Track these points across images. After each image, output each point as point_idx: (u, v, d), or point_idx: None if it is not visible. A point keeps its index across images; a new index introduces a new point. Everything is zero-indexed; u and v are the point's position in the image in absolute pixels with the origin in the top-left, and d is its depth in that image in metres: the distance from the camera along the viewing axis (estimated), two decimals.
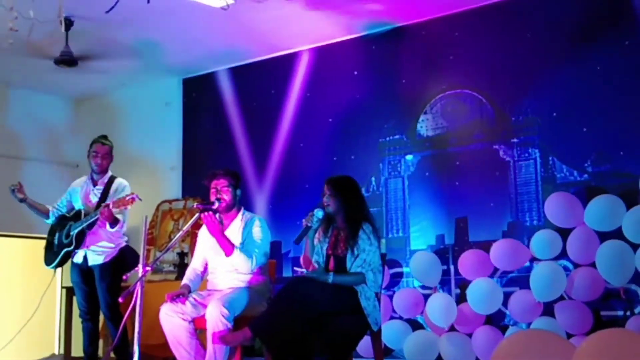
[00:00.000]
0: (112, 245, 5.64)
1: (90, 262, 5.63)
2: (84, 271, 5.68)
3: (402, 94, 6.63)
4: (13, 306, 8.19)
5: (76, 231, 5.53)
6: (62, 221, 5.71)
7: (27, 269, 8.08)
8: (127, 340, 5.48)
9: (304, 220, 4.72)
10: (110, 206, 5.24)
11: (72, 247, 5.57)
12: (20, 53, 7.01)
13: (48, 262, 5.76)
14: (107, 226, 5.43)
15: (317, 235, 4.78)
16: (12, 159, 8.20)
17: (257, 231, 4.93)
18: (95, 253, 5.62)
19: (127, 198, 5.17)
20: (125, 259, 5.68)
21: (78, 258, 5.66)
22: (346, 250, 4.62)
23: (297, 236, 4.68)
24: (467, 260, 5.86)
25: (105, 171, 5.75)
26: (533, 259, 5.66)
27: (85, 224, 5.50)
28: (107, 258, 5.63)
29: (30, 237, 7.90)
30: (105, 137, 5.80)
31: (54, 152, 8.49)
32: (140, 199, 5.15)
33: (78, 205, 5.71)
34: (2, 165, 8.10)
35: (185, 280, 5.03)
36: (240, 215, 5.02)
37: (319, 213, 4.69)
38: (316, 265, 4.71)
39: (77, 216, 5.62)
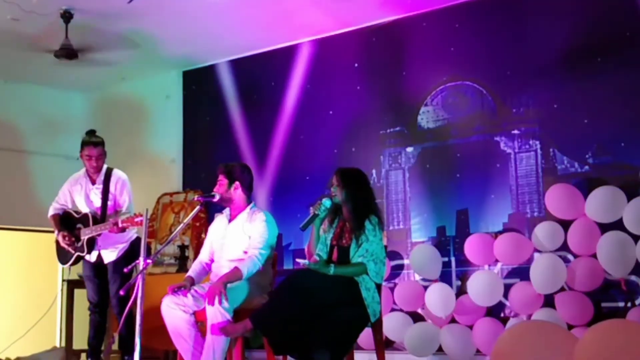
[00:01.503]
0: (123, 241, 5.69)
1: (106, 260, 5.69)
2: (96, 266, 5.72)
3: (403, 86, 6.61)
4: (16, 299, 8.20)
5: (86, 238, 5.56)
6: (70, 220, 5.72)
7: (30, 263, 8.10)
8: (133, 333, 5.50)
9: (311, 207, 4.74)
10: (120, 225, 5.27)
11: (84, 253, 5.61)
12: (20, 46, 7.00)
13: (63, 261, 5.81)
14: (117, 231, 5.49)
15: (322, 225, 4.80)
16: (12, 152, 8.20)
17: (261, 226, 4.93)
18: (109, 251, 5.68)
19: (136, 220, 5.21)
20: (136, 250, 5.69)
21: (92, 257, 5.70)
22: (350, 241, 4.64)
23: (304, 223, 4.70)
24: (472, 246, 5.86)
25: (101, 168, 5.74)
26: (535, 251, 5.67)
27: (94, 233, 5.53)
28: (120, 253, 5.68)
29: (33, 230, 7.91)
30: (93, 133, 5.73)
31: (54, 145, 8.48)
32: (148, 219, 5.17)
33: (82, 206, 5.71)
34: (3, 158, 8.10)
35: (190, 272, 5.04)
36: (247, 210, 5.04)
37: (327, 202, 4.72)
38: (317, 258, 4.72)
39: (84, 218, 5.63)
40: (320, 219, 4.76)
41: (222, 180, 5.00)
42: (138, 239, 5.78)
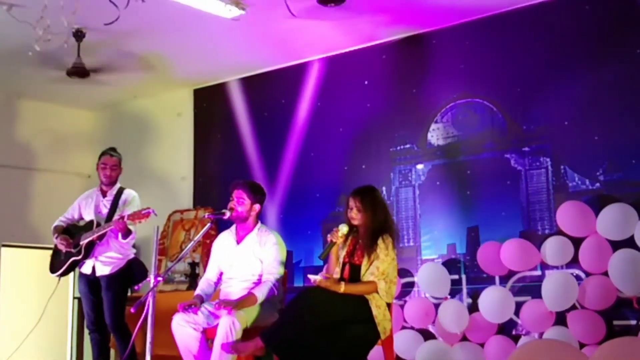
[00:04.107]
0: (120, 256, 5.67)
1: (98, 273, 5.65)
2: (91, 281, 5.70)
3: (413, 103, 6.62)
4: (24, 316, 8.20)
5: (86, 241, 5.54)
6: (73, 230, 5.73)
7: (39, 280, 8.11)
8: (136, 353, 5.49)
9: (329, 235, 4.75)
10: (125, 219, 5.25)
11: (80, 257, 5.58)
12: (32, 64, 7.06)
13: (54, 269, 5.77)
14: (120, 237, 5.44)
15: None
16: (24, 170, 8.26)
17: (274, 250, 4.96)
18: (103, 263, 5.64)
19: (143, 212, 5.17)
20: (132, 270, 5.70)
21: (86, 269, 5.68)
22: (362, 259, 4.64)
23: (323, 252, 4.72)
24: (484, 255, 5.87)
25: (114, 182, 5.78)
26: (544, 265, 5.67)
27: (95, 235, 5.51)
28: (115, 269, 5.65)
29: (42, 247, 7.93)
30: (114, 149, 5.83)
31: (66, 163, 8.53)
32: (155, 214, 5.16)
33: (89, 217, 5.73)
34: (15, 176, 8.15)
35: (197, 291, 5.05)
36: (256, 230, 5.05)
37: (344, 228, 4.72)
38: (327, 275, 4.72)
39: (89, 226, 5.63)
40: (337, 244, 4.77)
41: (245, 198, 5.01)
42: (136, 260, 5.78)
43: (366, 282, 4.57)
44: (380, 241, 4.61)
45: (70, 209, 5.87)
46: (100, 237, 5.56)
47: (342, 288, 4.52)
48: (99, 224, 5.58)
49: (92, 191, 5.88)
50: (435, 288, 6.02)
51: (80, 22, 6.17)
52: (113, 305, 5.59)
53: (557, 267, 5.64)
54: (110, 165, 5.73)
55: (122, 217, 5.29)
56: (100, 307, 5.69)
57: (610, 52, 5.69)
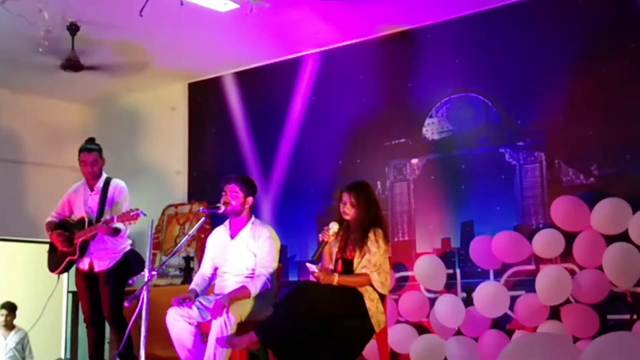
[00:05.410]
0: (116, 250, 5.65)
1: (96, 269, 5.63)
2: (88, 276, 5.68)
3: (408, 97, 6.62)
4: (18, 310, 8.20)
5: (79, 240, 5.52)
6: (65, 227, 5.71)
7: (33, 274, 8.11)
8: (132, 345, 5.49)
9: (320, 235, 4.76)
10: (115, 221, 5.23)
11: (76, 257, 5.56)
12: (26, 58, 7.03)
13: (52, 268, 5.75)
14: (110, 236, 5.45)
15: None
16: (17, 164, 8.24)
17: (267, 244, 4.95)
18: (101, 259, 5.63)
19: (132, 214, 5.15)
20: (129, 263, 5.69)
21: (84, 265, 5.66)
22: (354, 253, 4.65)
23: (316, 253, 4.73)
24: (476, 249, 5.88)
25: (99, 176, 5.72)
26: (538, 259, 5.68)
27: (89, 234, 5.49)
28: (112, 263, 5.63)
29: (37, 241, 7.93)
30: (91, 141, 5.75)
31: (60, 157, 8.50)
32: (144, 214, 5.15)
33: (80, 213, 5.70)
34: (8, 169, 8.13)
35: (192, 286, 5.05)
36: (250, 224, 5.05)
37: (334, 227, 4.73)
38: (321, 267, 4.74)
39: (80, 223, 5.61)
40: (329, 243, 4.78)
41: (238, 192, 5.01)
42: (132, 251, 5.77)
43: (359, 274, 4.58)
44: (370, 234, 4.63)
45: (60, 204, 5.83)
46: (94, 236, 5.54)
47: (336, 279, 4.54)
48: (90, 222, 5.55)
49: (79, 185, 5.83)
50: (431, 281, 6.02)
51: (74, 16, 6.15)
52: (112, 298, 5.58)
53: (550, 261, 5.65)
54: (91, 162, 5.66)
55: (105, 222, 5.26)
56: (98, 302, 5.67)
57: (604, 47, 5.69)
